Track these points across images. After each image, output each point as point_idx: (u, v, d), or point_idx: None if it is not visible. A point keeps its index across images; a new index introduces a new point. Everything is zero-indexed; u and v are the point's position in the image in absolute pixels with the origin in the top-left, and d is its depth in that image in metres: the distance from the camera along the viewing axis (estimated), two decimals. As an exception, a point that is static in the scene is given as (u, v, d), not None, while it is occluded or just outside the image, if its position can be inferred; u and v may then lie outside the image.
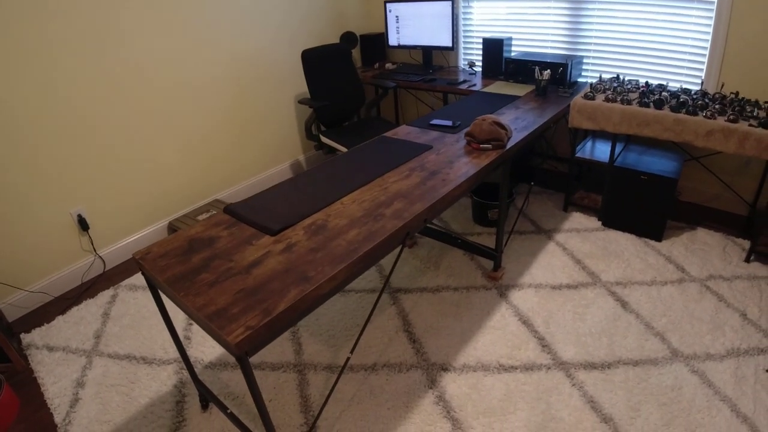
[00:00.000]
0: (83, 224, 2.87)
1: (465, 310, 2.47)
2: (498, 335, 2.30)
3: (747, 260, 2.73)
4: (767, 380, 1.99)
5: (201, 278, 1.47)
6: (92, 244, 2.96)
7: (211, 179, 3.55)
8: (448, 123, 2.61)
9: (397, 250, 2.24)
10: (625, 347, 2.19)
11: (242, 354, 1.25)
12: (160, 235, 3.30)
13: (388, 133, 2.55)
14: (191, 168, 3.38)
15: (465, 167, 2.08)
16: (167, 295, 1.55)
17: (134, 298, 2.76)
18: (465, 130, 2.36)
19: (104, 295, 2.80)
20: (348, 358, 1.87)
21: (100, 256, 3.01)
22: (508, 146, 2.27)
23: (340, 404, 1.99)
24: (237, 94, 3.54)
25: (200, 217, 3.26)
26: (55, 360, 2.36)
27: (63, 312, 2.70)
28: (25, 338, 2.52)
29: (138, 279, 2.92)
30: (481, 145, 2.23)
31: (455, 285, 2.65)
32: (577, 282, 2.62)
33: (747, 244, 2.87)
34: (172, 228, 3.28)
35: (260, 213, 1.79)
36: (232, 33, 3.38)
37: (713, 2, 2.87)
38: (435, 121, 2.64)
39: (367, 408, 1.97)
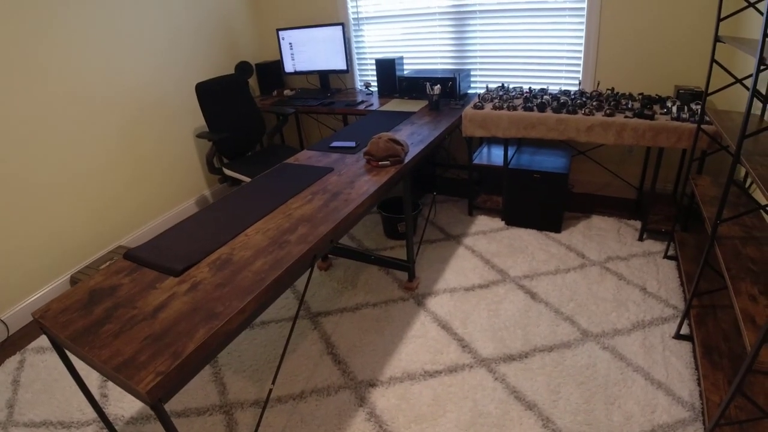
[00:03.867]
0: (-22, 290, 2.66)
1: (386, 323, 2.50)
2: (420, 343, 2.35)
3: (640, 239, 2.97)
4: (675, 346, 2.18)
5: (105, 330, 1.41)
6: (-8, 310, 2.75)
7: (112, 225, 3.38)
8: (348, 144, 2.67)
9: (313, 274, 2.25)
10: (539, 335, 2.32)
11: (156, 402, 1.22)
12: (63, 290, 3.09)
13: (290, 160, 2.56)
14: (89, 216, 3.21)
15: (366, 185, 2.13)
16: (73, 353, 1.47)
17: (43, 361, 2.57)
18: (364, 150, 2.42)
19: (11, 362, 2.59)
20: (270, 390, 1.84)
21: (2, 321, 2.80)
22: (406, 160, 2.35)
23: (271, 438, 1.96)
24: (131, 134, 3.40)
25: (104, 267, 3.10)
26: (-36, 438, 2.16)
27: (-32, 386, 2.48)
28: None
29: (44, 340, 2.72)
30: (379, 163, 2.29)
31: (374, 301, 2.68)
32: (488, 281, 2.74)
33: (639, 224, 3.13)
34: (74, 281, 3.10)
35: (162, 255, 1.75)
36: (122, 77, 3.26)
37: (583, 9, 3.14)
38: (335, 144, 2.69)
39: (298, 437, 1.95)
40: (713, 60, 2.28)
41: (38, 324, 1.54)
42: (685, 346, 2.16)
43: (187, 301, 1.49)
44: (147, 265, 1.72)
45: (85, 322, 1.46)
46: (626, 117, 2.68)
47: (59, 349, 1.64)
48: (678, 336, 2.22)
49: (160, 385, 1.20)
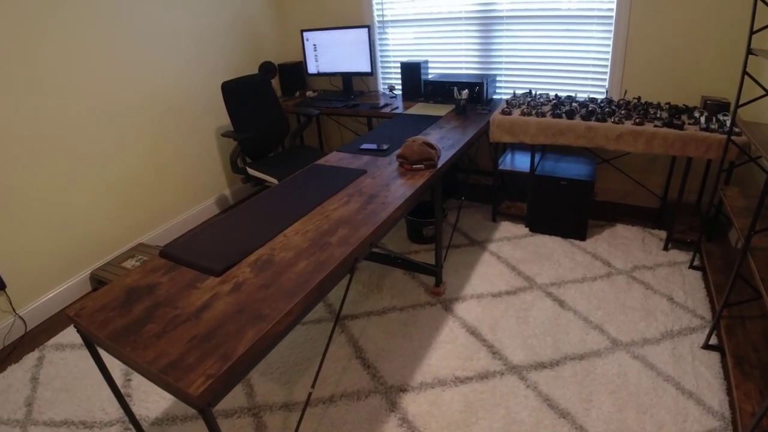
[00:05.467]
0: (-1, 283, 2.65)
1: (413, 328, 2.49)
2: (449, 349, 2.33)
3: (665, 248, 2.95)
4: (704, 356, 2.16)
5: (147, 330, 1.39)
6: (11, 304, 2.73)
7: (133, 222, 3.38)
8: (380, 147, 2.65)
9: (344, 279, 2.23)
10: (569, 343, 2.30)
11: (205, 405, 1.20)
12: (83, 286, 3.09)
13: (320, 161, 2.55)
14: (110, 213, 3.21)
15: (401, 189, 2.12)
16: (111, 353, 1.45)
17: (62, 358, 2.55)
18: (396, 153, 2.41)
19: (30, 358, 2.57)
20: (310, 394, 1.82)
21: (20, 316, 2.78)
22: (439, 165, 2.34)
23: (302, 442, 1.94)
24: (155, 133, 3.41)
25: (125, 264, 3.09)
26: (-17, 436, 2.14)
27: (-14, 382, 2.46)
28: (-55, 415, 2.27)
29: (64, 337, 2.70)
30: (413, 166, 2.28)
31: (400, 305, 2.67)
32: (515, 287, 2.72)
33: (663, 234, 3.12)
34: (94, 278, 3.09)
35: (199, 253, 1.73)
36: (144, 70, 3.26)
37: (612, 17, 3.13)
38: (365, 146, 2.68)
39: (330, 441, 1.93)
40: (745, 72, 2.27)
41: (73, 321, 1.51)
42: (714, 357, 2.15)
43: (231, 301, 1.47)
44: (184, 263, 1.70)
45: (124, 321, 1.44)
46: (656, 126, 2.66)
47: (91, 347, 1.62)
48: (707, 346, 2.21)
49: (210, 389, 1.18)
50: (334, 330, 1.87)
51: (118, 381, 2.36)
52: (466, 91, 3.12)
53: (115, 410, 2.19)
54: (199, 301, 1.49)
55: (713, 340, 2.23)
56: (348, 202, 2.03)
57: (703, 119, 2.66)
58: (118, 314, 1.48)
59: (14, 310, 2.76)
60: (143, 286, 1.61)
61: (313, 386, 1.66)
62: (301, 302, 1.45)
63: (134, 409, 2.19)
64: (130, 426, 2.10)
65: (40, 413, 2.22)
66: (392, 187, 2.15)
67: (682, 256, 2.89)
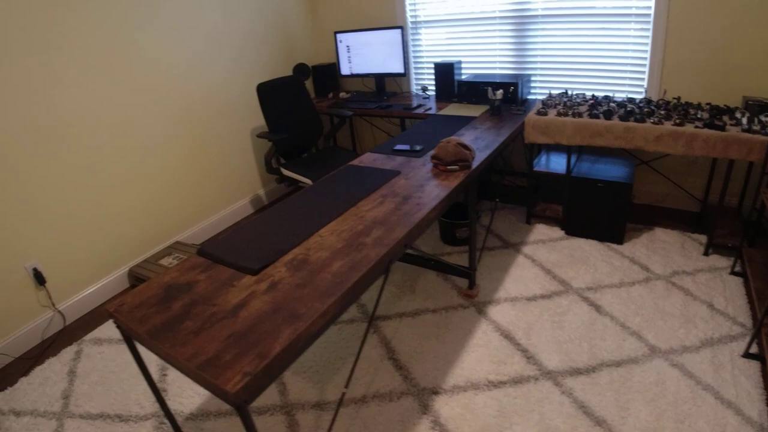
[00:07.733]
0: (39, 278, 2.72)
1: (446, 330, 2.47)
2: (482, 352, 2.31)
3: (706, 253, 2.86)
4: (744, 365, 2.08)
5: (184, 326, 1.41)
6: (50, 299, 2.81)
7: (170, 221, 3.45)
8: (414, 147, 2.65)
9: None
10: (606, 349, 2.25)
11: (242, 403, 1.21)
12: (120, 283, 3.17)
13: (354, 162, 2.56)
14: (148, 211, 3.28)
15: (436, 190, 2.11)
16: (149, 348, 1.47)
17: (100, 353, 2.61)
18: (430, 154, 2.40)
19: (68, 352, 2.64)
20: (343, 394, 1.83)
21: (59, 311, 2.86)
22: (474, 166, 2.32)
23: (334, 442, 1.95)
24: (192, 133, 3.48)
25: (162, 261, 3.15)
26: (23, 425, 2.18)
27: (26, 373, 2.52)
28: (-12, 405, 2.35)
29: (102, 332, 2.77)
30: (448, 167, 2.27)
31: (433, 307, 2.65)
32: (550, 291, 2.68)
33: (703, 238, 3.02)
34: (132, 275, 3.16)
35: (236, 252, 1.75)
36: (183, 76, 3.33)
37: (650, 15, 3.06)
38: (399, 147, 2.67)
39: (362, 442, 1.93)
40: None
41: (112, 317, 1.55)
42: (754, 366, 2.07)
43: (268, 300, 1.48)
44: (222, 262, 1.72)
45: (162, 317, 1.47)
46: (696, 127, 2.59)
47: (130, 342, 1.65)
48: (747, 355, 2.13)
49: (247, 386, 1.19)
50: (368, 331, 1.87)
51: (154, 376, 2.41)
52: (501, 91, 3.09)
53: (150, 404, 2.24)
54: (235, 299, 1.51)
55: (754, 349, 2.15)
56: (382, 203, 2.03)
57: (744, 120, 2.57)
58: (157, 311, 1.51)
59: (53, 304, 2.84)
60: (182, 284, 1.63)
61: (346, 386, 1.66)
62: (336, 302, 1.46)
63: (169, 404, 2.23)
64: (165, 420, 2.14)
65: (76, 406, 2.27)
66: (426, 188, 2.14)
67: (723, 262, 2.80)
